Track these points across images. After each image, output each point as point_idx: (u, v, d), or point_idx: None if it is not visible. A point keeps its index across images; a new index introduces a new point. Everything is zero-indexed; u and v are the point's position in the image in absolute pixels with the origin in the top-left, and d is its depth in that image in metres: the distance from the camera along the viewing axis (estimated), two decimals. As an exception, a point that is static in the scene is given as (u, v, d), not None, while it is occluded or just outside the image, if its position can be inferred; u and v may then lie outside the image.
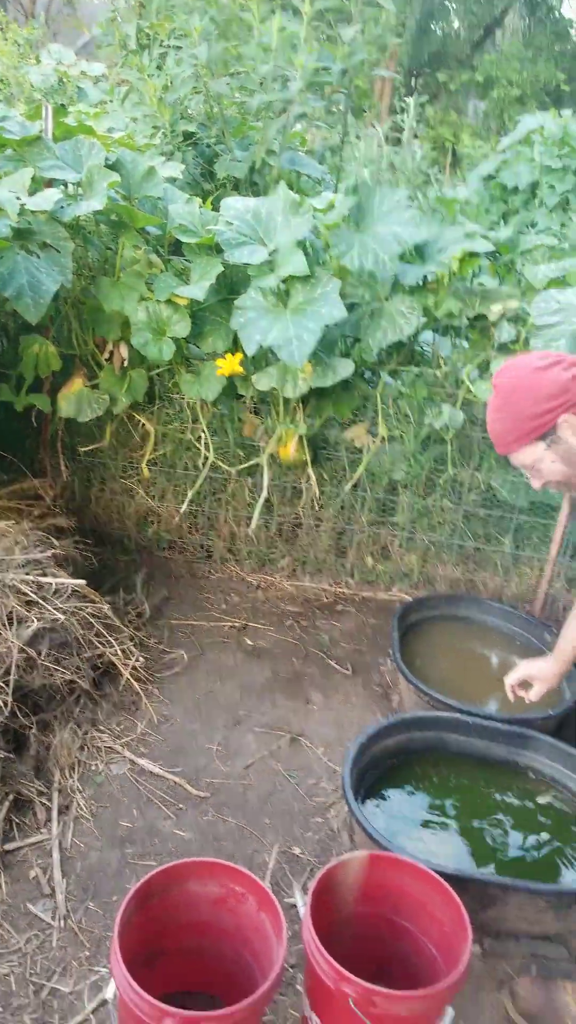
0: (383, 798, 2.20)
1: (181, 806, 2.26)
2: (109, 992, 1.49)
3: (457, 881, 1.66)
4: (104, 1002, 1.76)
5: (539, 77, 13.94)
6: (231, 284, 2.90)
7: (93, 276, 2.90)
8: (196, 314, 2.83)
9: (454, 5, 17.44)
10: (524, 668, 2.26)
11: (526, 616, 2.93)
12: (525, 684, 2.27)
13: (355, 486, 3.08)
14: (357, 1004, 1.44)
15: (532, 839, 2.13)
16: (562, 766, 2.26)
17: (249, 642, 2.97)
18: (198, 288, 2.70)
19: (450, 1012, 1.55)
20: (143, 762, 2.37)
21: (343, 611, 3.21)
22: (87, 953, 1.86)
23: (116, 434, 3.18)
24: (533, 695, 2.21)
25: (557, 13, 17.14)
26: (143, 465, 3.15)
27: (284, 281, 2.69)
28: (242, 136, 3.82)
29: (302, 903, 1.60)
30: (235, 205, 2.79)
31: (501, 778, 2.31)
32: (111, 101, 4.09)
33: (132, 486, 3.28)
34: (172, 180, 3.05)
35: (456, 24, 18.01)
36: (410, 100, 3.67)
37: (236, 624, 3.05)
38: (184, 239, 2.75)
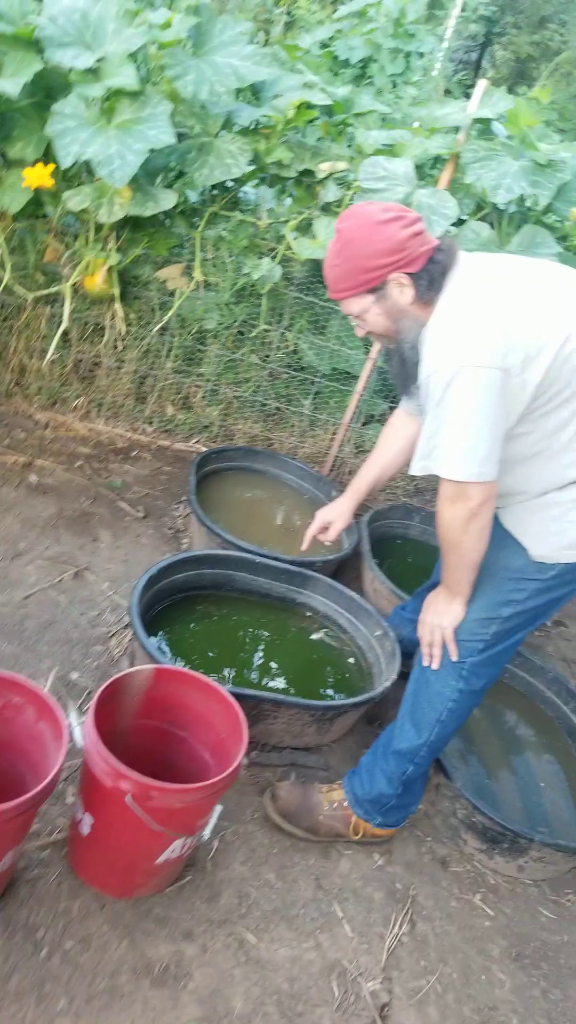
0: (167, 631, 2.26)
1: (-48, 630, 2.19)
2: None
3: (234, 698, 1.73)
4: None
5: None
6: (47, 89, 2.63)
7: None
8: (4, 114, 2.56)
9: None
10: (320, 515, 2.37)
11: (316, 474, 3.06)
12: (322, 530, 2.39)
13: (163, 329, 2.99)
14: (135, 799, 1.51)
15: (301, 669, 2.30)
16: (336, 604, 2.43)
17: (34, 478, 2.86)
18: (12, 83, 2.42)
19: (218, 808, 1.67)
20: None
21: (138, 457, 3.17)
22: None
23: None
24: (332, 534, 2.31)
25: None
26: None
27: (110, 94, 2.48)
28: None
29: (77, 723, 1.62)
30: (62, 1, 2.51)
31: (280, 615, 2.45)
32: None
33: None
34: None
35: None
36: None
37: (20, 460, 2.92)
38: (-1, 24, 2.45)
